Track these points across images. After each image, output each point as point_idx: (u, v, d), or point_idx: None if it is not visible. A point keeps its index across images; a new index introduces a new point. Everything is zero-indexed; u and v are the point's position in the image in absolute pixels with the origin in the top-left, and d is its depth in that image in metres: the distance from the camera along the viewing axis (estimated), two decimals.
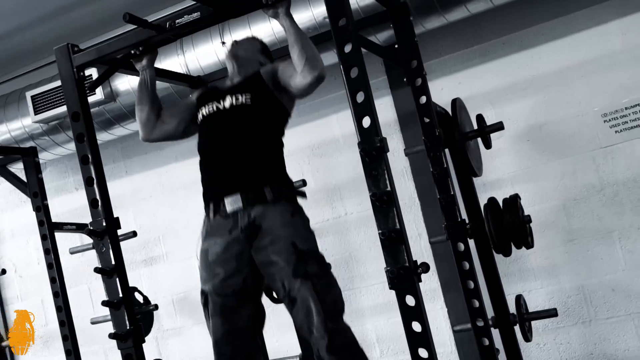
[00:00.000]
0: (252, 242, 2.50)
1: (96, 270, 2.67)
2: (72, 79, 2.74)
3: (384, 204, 2.25)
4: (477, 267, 3.20)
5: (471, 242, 3.19)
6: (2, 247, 5.40)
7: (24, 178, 4.28)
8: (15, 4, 3.94)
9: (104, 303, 2.66)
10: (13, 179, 4.43)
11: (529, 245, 3.21)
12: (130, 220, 4.79)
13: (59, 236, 4.17)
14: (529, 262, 3.78)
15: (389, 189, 2.25)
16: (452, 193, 3.06)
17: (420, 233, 3.95)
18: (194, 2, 2.54)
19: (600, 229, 3.65)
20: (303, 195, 2.69)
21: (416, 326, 2.22)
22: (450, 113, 3.28)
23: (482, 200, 3.24)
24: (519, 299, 3.26)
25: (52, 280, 4.11)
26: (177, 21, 2.58)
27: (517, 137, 3.79)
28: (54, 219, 4.19)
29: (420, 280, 2.27)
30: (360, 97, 2.30)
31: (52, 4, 4.04)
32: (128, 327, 2.64)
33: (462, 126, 3.28)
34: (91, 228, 2.69)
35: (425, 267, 2.29)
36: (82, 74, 2.76)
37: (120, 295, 2.66)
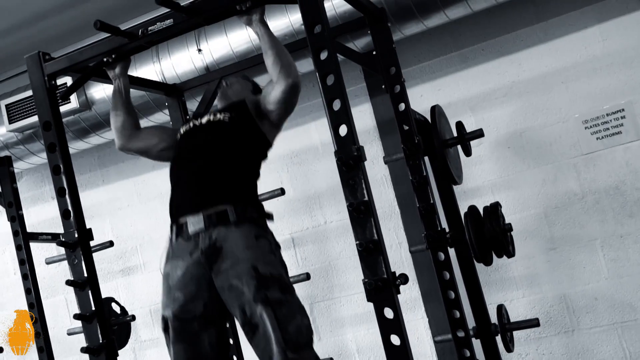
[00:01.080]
0: (212, 265, 2.41)
1: (68, 282, 2.62)
2: (43, 88, 2.70)
3: (362, 214, 2.21)
4: (458, 276, 3.19)
5: (452, 252, 3.17)
6: None
7: None
8: None
9: (75, 316, 2.61)
10: None
11: (510, 254, 3.18)
12: (107, 230, 4.73)
13: (36, 246, 4.11)
14: (511, 271, 3.76)
15: (366, 198, 2.21)
16: (431, 202, 3.04)
17: (400, 242, 3.92)
18: (167, 10, 2.49)
19: (582, 237, 3.64)
20: (270, 217, 2.60)
21: (395, 339, 2.19)
22: (429, 120, 3.25)
23: (463, 209, 3.22)
24: (501, 309, 3.24)
25: (27, 292, 4.03)
26: (149, 28, 2.54)
27: (497, 144, 3.78)
28: (30, 229, 4.12)
29: (399, 292, 2.23)
30: (336, 105, 2.27)
31: (26, 11, 4.00)
32: (101, 341, 2.59)
33: (441, 133, 3.25)
34: (63, 240, 2.63)
35: (404, 279, 2.25)
36: (53, 82, 2.72)
37: (93, 308, 2.61)
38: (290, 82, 2.47)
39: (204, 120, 2.65)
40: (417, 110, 3.28)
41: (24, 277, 4.01)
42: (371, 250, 2.20)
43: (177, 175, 2.60)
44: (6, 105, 4.20)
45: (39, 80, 2.69)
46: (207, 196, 2.47)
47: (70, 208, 2.66)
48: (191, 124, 2.69)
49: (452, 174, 3.27)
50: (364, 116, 3.94)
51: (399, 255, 3.94)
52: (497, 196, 3.70)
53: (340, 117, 2.26)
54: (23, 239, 4.02)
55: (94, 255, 4.17)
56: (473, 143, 3.37)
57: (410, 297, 3.87)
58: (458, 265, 3.26)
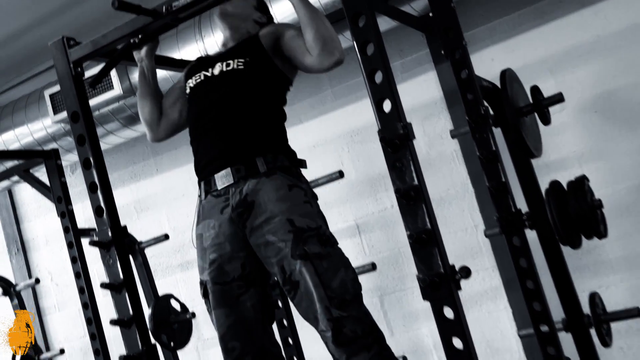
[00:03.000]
0: (245, 222, 2.38)
1: (103, 285, 2.58)
2: (69, 76, 2.68)
3: (412, 201, 2.10)
4: (542, 261, 3.03)
5: (534, 234, 3.02)
6: (36, 254, 5.47)
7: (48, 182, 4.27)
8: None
9: (112, 322, 2.57)
10: (36, 183, 4.42)
11: (602, 234, 3.02)
12: (164, 222, 4.76)
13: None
14: (605, 253, 3.57)
15: (416, 182, 2.09)
16: (503, 179, 2.89)
17: (477, 224, 3.80)
18: None
19: None
20: (303, 165, 2.56)
21: (457, 342, 2.05)
22: (499, 86, 3.10)
23: (543, 185, 3.07)
24: (594, 298, 3.07)
25: (81, 291, 4.07)
26: (173, 4, 2.45)
27: (581, 109, 3.59)
28: (83, 225, 4.17)
29: (460, 288, 2.12)
30: (378, 77, 2.14)
31: None
32: (141, 348, 2.54)
33: (514, 101, 3.12)
34: (96, 239, 2.60)
35: (466, 272, 2.12)
36: (79, 69, 2.70)
37: (131, 312, 2.56)
38: (335, 60, 2.41)
39: (216, 70, 2.55)
40: (488, 76, 3.15)
41: (77, 275, 4.05)
42: (424, 242, 2.10)
43: (198, 133, 2.54)
44: (50, 95, 4.24)
45: (65, 68, 2.67)
46: (234, 149, 2.43)
47: (102, 205, 2.60)
48: (202, 76, 2.59)
49: (528, 146, 3.14)
50: (429, 85, 3.84)
51: (476, 240, 3.82)
52: (584, 169, 3.53)
53: (383, 90, 2.15)
54: (74, 235, 4.07)
55: (151, 249, 4.30)
56: (552, 109, 3.21)
57: (491, 286, 3.76)
58: (542, 250, 3.09)
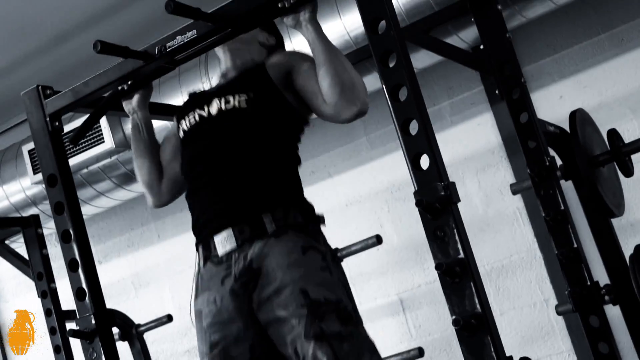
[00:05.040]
0: (251, 295, 2.33)
1: None
2: (45, 131, 2.68)
3: (457, 278, 2.06)
4: (629, 343, 3.01)
5: (617, 310, 3.01)
6: None
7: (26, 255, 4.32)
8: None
9: None
10: (13, 257, 4.49)
11: None
12: (167, 299, 4.78)
13: None
14: None
15: (462, 255, 2.06)
16: (574, 245, 2.88)
17: (547, 298, 3.78)
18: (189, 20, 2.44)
19: None
20: (322, 221, 2.51)
21: None
22: (569, 131, 3.11)
23: (627, 250, 3.04)
24: None
25: None
26: (167, 45, 2.48)
27: None
28: (70, 305, 4.18)
29: None
30: (413, 128, 2.13)
31: (45, 34, 4.11)
32: None
33: (587, 148, 3.13)
34: (76, 328, 2.60)
35: None
36: (57, 123, 2.70)
37: None
38: (355, 112, 2.38)
39: (214, 109, 2.52)
40: (555, 118, 3.19)
41: None
42: (474, 328, 2.05)
43: (194, 186, 2.51)
44: (29, 152, 4.30)
45: (40, 122, 2.68)
46: (236, 205, 2.39)
47: (84, 286, 2.61)
48: (197, 116, 2.56)
49: (606, 203, 3.12)
50: (485, 129, 3.88)
51: (547, 317, 3.80)
52: None
53: (419, 144, 2.12)
54: (57, 319, 4.10)
55: (152, 333, 4.30)
56: (635, 158, 3.21)
57: None
58: (627, 328, 3.06)
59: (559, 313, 3.44)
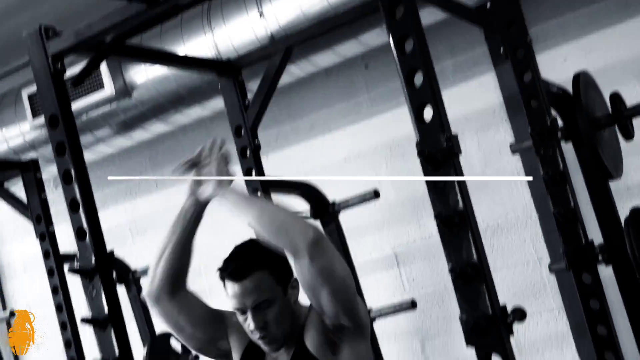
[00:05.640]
0: None
1: (83, 320, 2.62)
2: (47, 73, 2.72)
3: (455, 228, 2.11)
4: (618, 303, 3.06)
5: (609, 270, 3.05)
6: (12, 284, 5.56)
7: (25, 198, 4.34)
8: None
9: None
10: (12, 200, 4.50)
11: None
12: None
13: None
14: None
15: (461, 207, 2.11)
16: (571, 205, 2.93)
17: (540, 257, 3.79)
18: None
19: None
20: None
21: None
22: (571, 93, 3.13)
23: (623, 212, 3.09)
24: None
25: (63, 326, 4.14)
26: None
27: None
28: (68, 249, 4.21)
29: (512, 332, 2.16)
30: (418, 79, 2.16)
31: None
32: None
33: (589, 110, 3.15)
34: (77, 266, 2.64)
35: (520, 315, 2.15)
36: (59, 65, 2.73)
37: (117, 353, 2.60)
38: (311, 241, 2.02)
39: None
40: (559, 79, 3.18)
41: (58, 308, 4.12)
42: (469, 277, 2.11)
43: None
44: (29, 96, 4.29)
45: (42, 63, 2.72)
46: None
47: (85, 226, 2.65)
48: None
49: (605, 165, 3.17)
50: (487, 90, 3.84)
51: (539, 275, 3.83)
52: None
53: (423, 95, 2.16)
54: (55, 261, 4.13)
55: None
56: (637, 121, 3.22)
57: (556, 331, 3.77)
58: (618, 289, 3.11)
59: (551, 270, 3.49)
